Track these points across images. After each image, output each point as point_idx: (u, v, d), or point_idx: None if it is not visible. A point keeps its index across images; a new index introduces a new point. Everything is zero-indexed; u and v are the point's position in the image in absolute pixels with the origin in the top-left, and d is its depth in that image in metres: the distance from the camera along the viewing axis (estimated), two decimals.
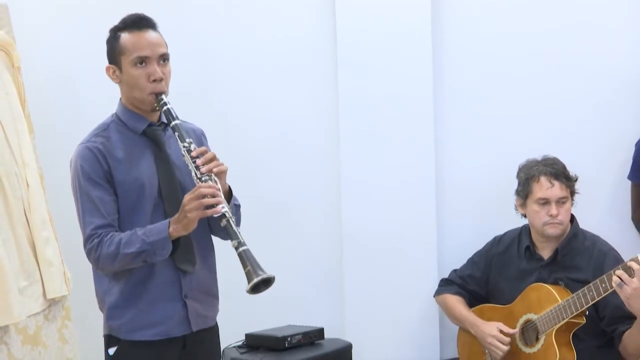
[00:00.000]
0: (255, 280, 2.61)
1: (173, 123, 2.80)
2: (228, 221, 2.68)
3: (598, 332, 3.49)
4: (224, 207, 2.69)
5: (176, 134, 2.79)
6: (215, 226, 2.88)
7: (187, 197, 2.70)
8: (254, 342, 3.85)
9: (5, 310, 3.31)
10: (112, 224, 2.80)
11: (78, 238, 3.90)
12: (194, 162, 2.74)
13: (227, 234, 2.69)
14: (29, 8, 4.18)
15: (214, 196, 2.68)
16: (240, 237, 2.67)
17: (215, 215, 2.69)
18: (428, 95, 4.03)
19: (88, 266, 3.65)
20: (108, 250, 2.76)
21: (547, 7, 4.02)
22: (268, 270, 2.65)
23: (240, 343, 3.86)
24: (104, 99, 3.88)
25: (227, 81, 4.26)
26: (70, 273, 3.70)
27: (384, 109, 4.05)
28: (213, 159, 2.75)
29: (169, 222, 2.76)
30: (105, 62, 2.99)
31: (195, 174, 2.73)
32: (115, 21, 2.97)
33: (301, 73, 4.21)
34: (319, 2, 4.15)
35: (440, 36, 4.05)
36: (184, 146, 2.77)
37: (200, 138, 3.03)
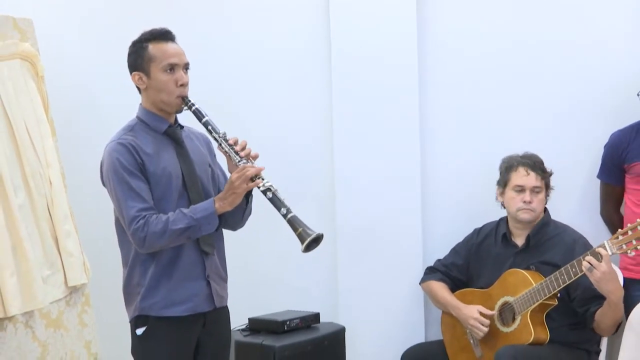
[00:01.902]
0: (308, 239, 2.76)
1: (204, 119, 2.92)
2: (273, 193, 2.82)
3: (569, 312, 3.52)
4: (268, 182, 2.83)
5: (209, 127, 2.91)
6: (227, 218, 2.98)
7: (234, 176, 2.84)
8: (256, 326, 3.87)
9: (31, 296, 3.32)
10: (153, 207, 2.87)
11: (96, 230, 3.98)
12: (233, 149, 2.88)
13: (274, 204, 2.82)
14: (52, 22, 4.18)
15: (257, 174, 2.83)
16: (287, 205, 2.81)
17: (260, 189, 2.82)
18: (414, 99, 4.04)
19: (106, 256, 3.71)
20: (156, 228, 2.82)
21: (526, 19, 4.03)
22: (315, 229, 2.79)
23: (244, 326, 3.89)
24: (119, 105, 3.92)
25: (232, 86, 4.27)
26: (89, 263, 3.72)
27: (374, 112, 4.07)
28: (246, 145, 2.90)
29: (214, 200, 2.87)
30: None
31: (234, 157, 2.87)
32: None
33: (299, 79, 4.23)
34: (315, 15, 4.16)
35: (425, 44, 4.07)
36: (219, 136, 2.89)
37: (208, 142, 3.12)
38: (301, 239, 2.77)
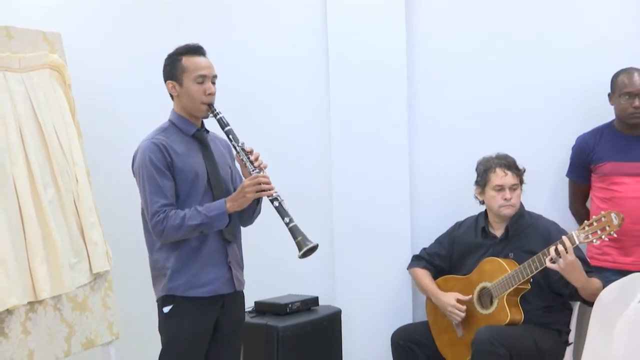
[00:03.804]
0: (305, 248, 2.86)
1: (227, 128, 3.01)
2: (280, 203, 2.92)
3: (543, 296, 3.57)
4: (276, 192, 2.92)
5: (230, 136, 3.01)
6: (242, 216, 3.09)
7: (246, 182, 2.94)
8: (261, 308, 3.93)
9: (59, 282, 3.37)
10: (174, 203, 2.97)
11: (118, 222, 4.00)
12: (249, 158, 2.97)
13: (279, 213, 2.91)
14: (79, 35, 4.15)
15: (267, 184, 2.93)
16: (290, 215, 2.90)
17: (269, 198, 2.92)
18: (403, 107, 4.07)
19: (126, 245, 3.74)
20: (174, 222, 2.92)
21: (504, 31, 4.06)
22: (312, 240, 2.88)
23: (250, 309, 3.91)
24: (139, 111, 3.96)
25: (238, 92, 4.20)
26: (111, 251, 3.73)
27: (367, 118, 4.09)
28: (259, 157, 3.00)
29: (225, 201, 2.95)
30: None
31: (249, 166, 2.96)
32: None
33: (299, 87, 4.25)
34: (314, 29, 4.16)
35: (413, 58, 4.09)
36: (239, 145, 2.99)
37: (229, 147, 3.21)
38: (299, 246, 2.88)
